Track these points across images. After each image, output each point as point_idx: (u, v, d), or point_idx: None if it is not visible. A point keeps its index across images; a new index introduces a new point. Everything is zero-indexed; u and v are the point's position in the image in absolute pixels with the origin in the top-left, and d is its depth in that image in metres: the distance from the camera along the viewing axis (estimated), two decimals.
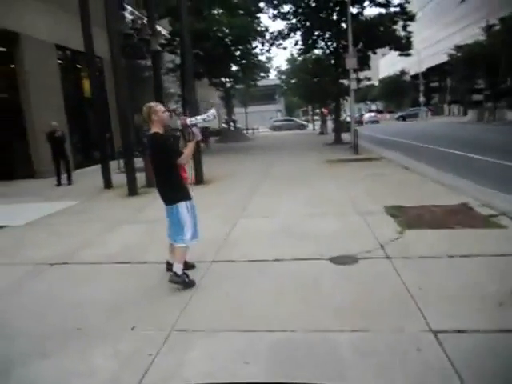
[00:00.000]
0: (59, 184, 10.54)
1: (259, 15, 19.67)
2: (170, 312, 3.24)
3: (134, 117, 11.02)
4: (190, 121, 3.60)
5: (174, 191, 3.64)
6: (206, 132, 21.87)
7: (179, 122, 3.63)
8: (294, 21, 19.36)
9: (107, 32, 7.92)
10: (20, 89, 11.88)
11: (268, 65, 24.52)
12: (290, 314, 3.12)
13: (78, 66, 15.26)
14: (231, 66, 22.31)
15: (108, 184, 9.64)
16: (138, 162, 9.48)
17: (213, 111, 3.72)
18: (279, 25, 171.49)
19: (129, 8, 12.54)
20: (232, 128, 27.19)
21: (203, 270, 4.07)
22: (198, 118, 3.65)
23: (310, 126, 39.46)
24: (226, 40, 18.00)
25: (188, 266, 3.88)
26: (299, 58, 29.58)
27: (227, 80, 25.62)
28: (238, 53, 20.54)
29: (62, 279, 4.12)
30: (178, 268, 3.60)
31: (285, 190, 8.10)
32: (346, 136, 18.72)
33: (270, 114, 51.46)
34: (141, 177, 9.02)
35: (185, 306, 3.33)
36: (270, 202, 7.06)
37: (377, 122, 45.06)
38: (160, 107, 3.62)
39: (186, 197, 3.67)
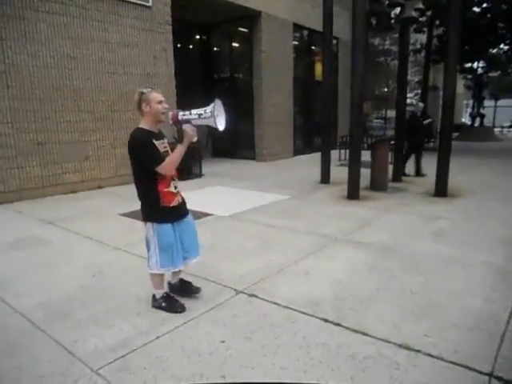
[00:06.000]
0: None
1: None
2: None
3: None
4: (181, 115, 2.68)
5: (144, 207, 2.85)
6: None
7: (170, 115, 2.71)
8: None
9: None
10: (254, 69, 11.72)
11: None
12: None
13: (312, 47, 14.46)
14: (494, 47, 17.69)
15: (325, 178, 8.31)
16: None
17: (211, 106, 2.60)
18: None
19: None
20: (476, 124, 22.35)
21: None
22: (194, 112, 2.66)
23: None
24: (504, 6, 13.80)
25: (190, 289, 3.19)
26: None
27: (479, 66, 20.99)
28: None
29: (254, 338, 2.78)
30: (156, 292, 3.02)
31: None
32: None
33: None
34: (365, 174, 7.27)
35: None
36: None
37: None
38: (155, 95, 2.72)
39: (157, 218, 2.81)
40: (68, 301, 3.17)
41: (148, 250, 2.91)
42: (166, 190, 2.80)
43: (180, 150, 2.71)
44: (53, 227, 5.26)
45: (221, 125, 2.67)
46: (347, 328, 2.73)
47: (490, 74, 24.65)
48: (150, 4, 8.35)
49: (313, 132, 14.15)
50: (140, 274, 3.39)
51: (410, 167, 9.03)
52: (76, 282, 3.54)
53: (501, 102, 32.77)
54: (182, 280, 3.24)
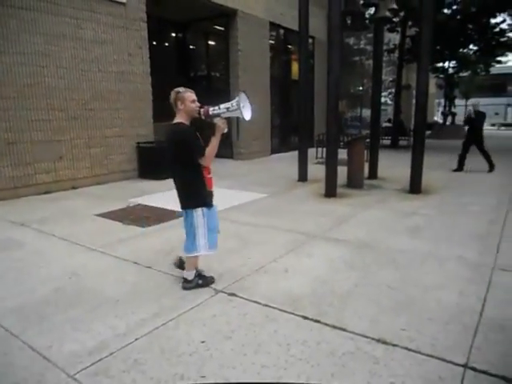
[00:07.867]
0: None
1: None
2: None
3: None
4: (212, 110, 2.97)
5: (192, 194, 3.10)
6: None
7: (202, 111, 3.00)
8: None
9: None
10: (230, 68, 11.68)
11: None
12: None
13: (288, 46, 14.53)
14: (463, 47, 18.16)
15: (303, 176, 8.37)
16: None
17: (237, 99, 2.90)
18: None
19: None
20: (448, 123, 22.99)
21: None
22: (222, 106, 2.95)
23: None
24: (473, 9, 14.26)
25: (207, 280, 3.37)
26: None
27: (450, 65, 21.53)
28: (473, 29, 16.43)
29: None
30: (188, 274, 3.26)
31: None
32: None
33: (495, 108, 43.01)
34: (341, 172, 7.34)
35: None
36: None
37: None
38: (189, 94, 3.00)
39: (207, 202, 3.11)
40: (43, 304, 3.09)
41: (194, 236, 3.11)
42: (209, 176, 3.12)
43: (215, 142, 2.98)
44: (26, 229, 5.10)
45: (247, 115, 2.95)
46: (326, 324, 2.76)
47: (461, 74, 25.34)
48: (124, 0, 8.21)
49: (290, 130, 14.21)
50: (117, 275, 3.33)
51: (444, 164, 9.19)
52: (51, 284, 3.45)
53: (471, 101, 33.72)
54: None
